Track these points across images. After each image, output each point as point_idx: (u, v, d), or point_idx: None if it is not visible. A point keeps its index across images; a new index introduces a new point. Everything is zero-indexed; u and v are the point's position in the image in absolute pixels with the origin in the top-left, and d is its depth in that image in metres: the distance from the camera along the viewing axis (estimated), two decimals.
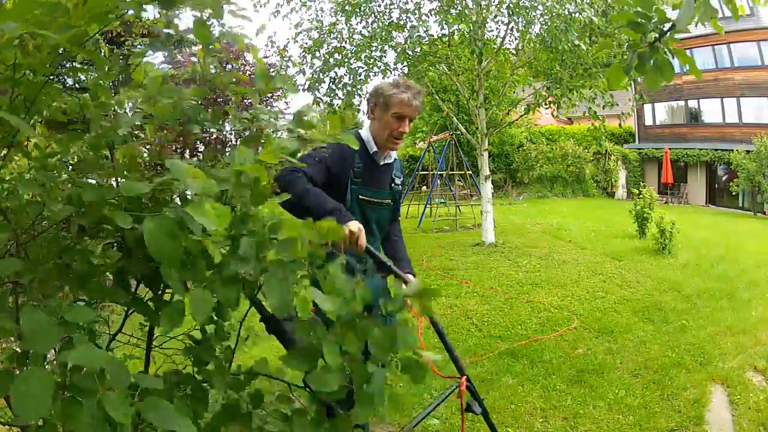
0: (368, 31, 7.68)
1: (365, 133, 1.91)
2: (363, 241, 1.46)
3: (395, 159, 2.03)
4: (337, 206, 1.59)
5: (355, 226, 1.46)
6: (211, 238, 0.78)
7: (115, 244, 1.01)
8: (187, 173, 0.75)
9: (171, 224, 0.72)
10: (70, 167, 1.18)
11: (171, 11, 1.02)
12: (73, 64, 1.21)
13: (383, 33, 7.32)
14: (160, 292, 0.96)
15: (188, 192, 0.87)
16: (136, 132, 1.38)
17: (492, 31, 8.03)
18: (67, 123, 1.08)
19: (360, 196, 1.87)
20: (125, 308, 1.06)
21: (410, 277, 1.81)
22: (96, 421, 0.65)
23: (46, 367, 0.81)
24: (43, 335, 0.67)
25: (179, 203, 0.91)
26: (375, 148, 1.88)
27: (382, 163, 1.92)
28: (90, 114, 1.01)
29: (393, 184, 2.01)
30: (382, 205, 1.96)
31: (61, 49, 0.85)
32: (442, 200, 11.52)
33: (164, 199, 0.94)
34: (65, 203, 0.92)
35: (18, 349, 0.81)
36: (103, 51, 1.33)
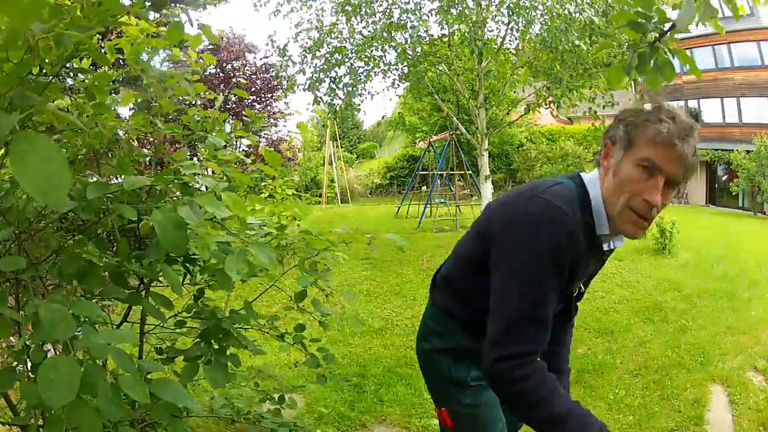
0: (369, 31, 7.68)
1: (596, 190, 1.08)
2: None
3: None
4: None
5: None
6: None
7: (110, 239, 1.02)
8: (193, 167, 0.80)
9: (178, 216, 0.76)
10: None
11: (164, 12, 1.02)
12: (73, 64, 1.21)
13: (384, 33, 7.32)
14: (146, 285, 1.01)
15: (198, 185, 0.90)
16: (136, 132, 1.38)
17: (492, 31, 8.04)
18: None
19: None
20: (126, 304, 1.09)
21: None
22: (112, 402, 0.68)
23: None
24: (62, 324, 0.70)
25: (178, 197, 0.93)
26: (606, 229, 1.07)
27: (606, 249, 1.14)
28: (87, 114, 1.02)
29: (597, 262, 1.23)
30: (573, 294, 1.29)
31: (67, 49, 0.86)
32: (442, 200, 11.51)
33: (162, 193, 0.95)
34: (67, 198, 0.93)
35: (28, 343, 0.83)
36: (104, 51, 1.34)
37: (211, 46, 10.41)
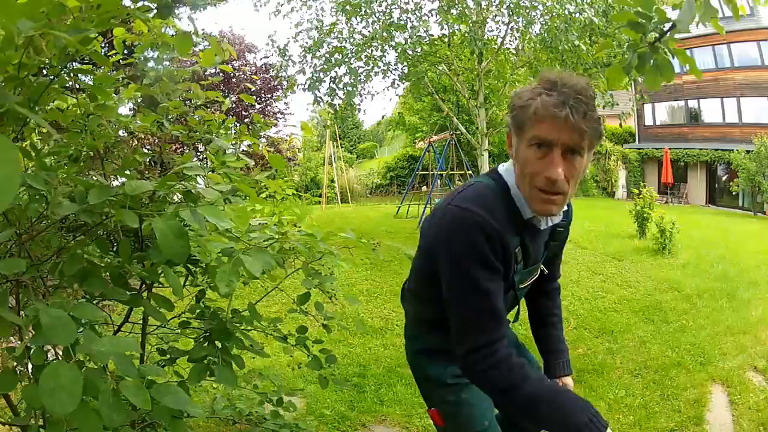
0: (369, 31, 7.68)
1: (510, 179, 1.11)
2: None
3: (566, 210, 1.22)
4: (587, 420, 0.96)
5: None
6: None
7: (112, 240, 1.02)
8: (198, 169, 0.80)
9: (180, 224, 0.76)
10: (66, 166, 1.19)
11: (167, 17, 1.02)
12: (73, 65, 1.22)
13: (384, 33, 7.32)
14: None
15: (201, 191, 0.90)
16: (137, 132, 1.38)
17: (492, 31, 8.04)
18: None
19: (520, 286, 1.23)
20: (126, 305, 1.09)
21: (569, 381, 1.39)
22: (113, 408, 0.68)
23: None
24: (63, 329, 0.69)
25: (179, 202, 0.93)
26: (528, 211, 1.10)
27: (543, 228, 1.17)
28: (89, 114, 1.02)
29: (551, 242, 1.27)
30: (536, 277, 1.32)
31: (68, 50, 0.86)
32: None
33: (164, 197, 0.95)
34: (69, 201, 0.92)
35: (30, 345, 0.82)
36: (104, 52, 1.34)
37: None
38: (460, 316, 1.06)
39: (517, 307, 1.32)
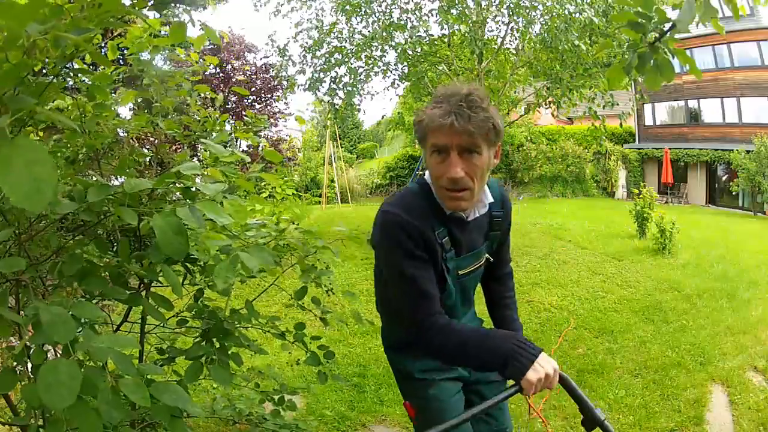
0: (369, 31, 7.68)
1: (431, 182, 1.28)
2: (556, 380, 1.09)
3: (495, 201, 1.36)
4: (513, 346, 1.07)
5: (549, 367, 1.05)
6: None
7: (111, 239, 1.02)
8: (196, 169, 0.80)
9: (178, 221, 0.76)
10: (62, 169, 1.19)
11: (165, 12, 1.02)
12: (72, 65, 1.22)
13: (383, 33, 7.31)
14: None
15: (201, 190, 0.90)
16: (136, 132, 1.38)
17: (492, 31, 8.03)
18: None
19: (459, 272, 1.34)
20: (125, 305, 1.09)
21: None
22: (112, 405, 0.68)
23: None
24: (63, 327, 0.70)
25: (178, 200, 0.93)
26: (446, 208, 1.26)
27: (470, 219, 1.30)
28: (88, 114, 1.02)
29: (490, 232, 1.39)
30: (481, 264, 1.42)
31: (67, 50, 0.86)
32: None
33: (163, 195, 0.95)
34: (68, 199, 0.92)
35: (29, 343, 0.82)
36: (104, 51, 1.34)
37: (211, 46, 10.42)
38: (397, 299, 1.23)
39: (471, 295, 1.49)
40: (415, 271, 1.19)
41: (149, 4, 0.85)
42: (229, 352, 1.31)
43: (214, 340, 1.25)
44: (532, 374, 1.03)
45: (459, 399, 1.45)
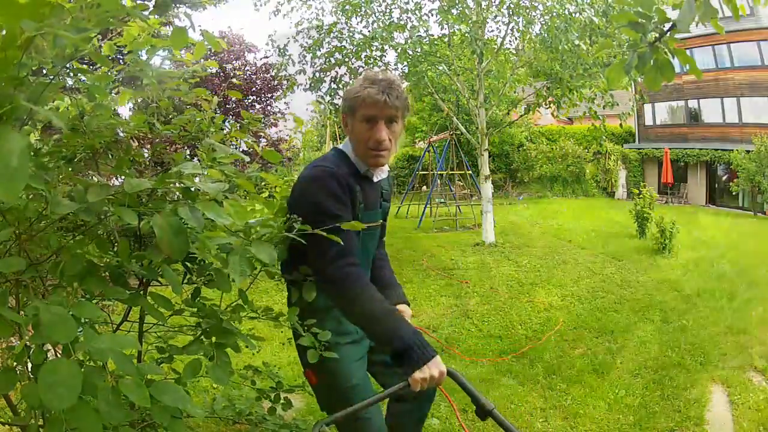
0: (369, 31, 7.68)
1: (348, 149, 1.55)
2: (443, 380, 1.23)
3: (388, 178, 1.70)
4: (414, 343, 1.22)
5: (436, 370, 1.20)
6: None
7: (111, 239, 1.02)
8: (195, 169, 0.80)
9: (178, 221, 0.76)
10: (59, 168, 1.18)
11: (165, 14, 1.02)
12: (72, 65, 1.22)
13: (384, 33, 7.31)
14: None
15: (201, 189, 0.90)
16: (137, 133, 1.38)
17: (492, 31, 8.04)
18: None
19: (365, 227, 1.51)
20: (125, 304, 1.08)
21: (406, 309, 1.67)
22: (112, 405, 0.68)
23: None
24: (63, 327, 0.70)
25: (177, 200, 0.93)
26: (364, 167, 1.52)
27: (376, 180, 1.59)
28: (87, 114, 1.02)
29: (382, 201, 1.67)
30: (377, 228, 1.65)
31: (66, 50, 0.86)
32: (442, 200, 11.52)
33: (163, 195, 0.95)
34: (68, 200, 0.92)
35: (29, 343, 0.82)
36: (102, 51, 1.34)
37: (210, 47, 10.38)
38: (320, 238, 1.26)
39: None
40: (339, 212, 1.36)
41: (150, 8, 0.85)
42: (226, 350, 1.30)
43: (213, 338, 1.25)
44: (419, 374, 1.19)
45: (362, 364, 1.58)
